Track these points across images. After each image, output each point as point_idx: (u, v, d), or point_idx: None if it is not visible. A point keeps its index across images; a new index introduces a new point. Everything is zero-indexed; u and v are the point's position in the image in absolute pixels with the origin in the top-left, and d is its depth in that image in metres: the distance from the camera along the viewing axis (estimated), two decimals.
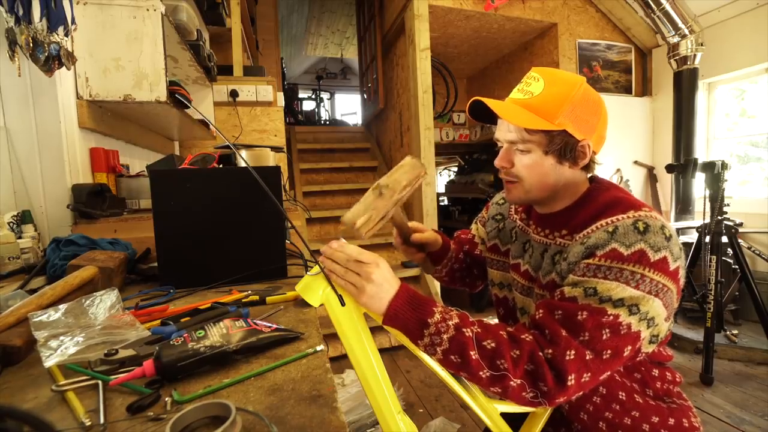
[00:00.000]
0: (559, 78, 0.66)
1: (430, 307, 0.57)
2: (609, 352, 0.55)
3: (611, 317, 0.54)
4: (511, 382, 0.53)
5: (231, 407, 0.37)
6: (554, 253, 0.68)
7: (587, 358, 0.54)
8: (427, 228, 0.89)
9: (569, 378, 0.53)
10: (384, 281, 0.55)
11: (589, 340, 0.54)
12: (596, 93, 0.67)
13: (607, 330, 0.54)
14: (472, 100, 0.68)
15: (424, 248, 0.89)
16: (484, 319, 0.59)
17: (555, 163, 0.66)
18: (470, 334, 0.55)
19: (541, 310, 0.59)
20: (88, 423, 0.39)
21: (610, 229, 0.59)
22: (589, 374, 0.54)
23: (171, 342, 0.49)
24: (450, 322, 0.56)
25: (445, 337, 0.55)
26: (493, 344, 0.54)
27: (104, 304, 0.62)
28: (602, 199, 0.66)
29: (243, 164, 1.31)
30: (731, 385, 2.02)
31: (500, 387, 0.54)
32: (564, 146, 0.64)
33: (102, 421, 0.40)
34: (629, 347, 0.56)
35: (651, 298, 0.55)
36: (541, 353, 0.54)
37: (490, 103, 0.66)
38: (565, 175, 0.67)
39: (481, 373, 0.54)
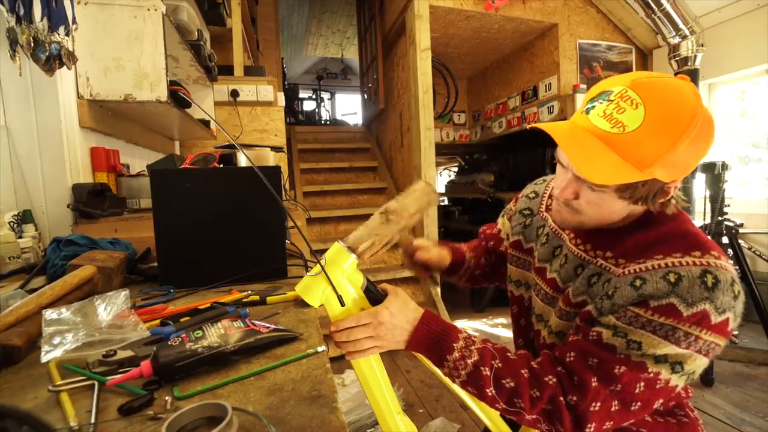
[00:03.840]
0: (669, 108, 0.48)
1: (450, 343, 0.56)
2: (639, 404, 0.51)
3: (651, 374, 0.50)
4: (527, 417, 0.53)
5: (227, 408, 0.37)
6: (592, 273, 0.59)
7: (613, 409, 0.51)
8: (430, 245, 0.85)
9: (588, 426, 0.51)
10: (393, 328, 0.56)
11: (620, 391, 0.51)
12: (711, 123, 0.50)
13: (642, 384, 0.50)
14: (536, 126, 0.55)
15: (430, 267, 0.86)
16: (506, 347, 0.58)
17: (627, 204, 0.55)
18: (488, 373, 0.54)
19: (573, 353, 0.54)
20: (75, 426, 0.39)
21: (672, 279, 0.50)
22: (612, 422, 0.52)
23: (169, 343, 0.49)
24: (469, 360, 0.55)
25: (463, 372, 0.55)
26: (512, 384, 0.53)
27: (114, 304, 0.62)
28: (665, 228, 0.56)
29: (243, 164, 1.31)
30: (732, 385, 2.02)
31: (515, 416, 0.55)
32: (647, 194, 0.53)
33: (93, 422, 0.40)
34: (661, 400, 0.52)
35: (699, 357, 0.50)
36: (563, 398, 0.52)
37: (562, 140, 0.52)
38: (635, 211, 0.57)
39: (496, 405, 0.55)
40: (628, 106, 0.49)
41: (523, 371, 0.54)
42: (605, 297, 0.55)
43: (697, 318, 0.48)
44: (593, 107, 0.53)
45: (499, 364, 0.55)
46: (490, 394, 0.54)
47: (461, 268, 0.89)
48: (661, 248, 0.53)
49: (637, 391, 0.50)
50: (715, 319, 0.48)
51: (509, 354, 0.57)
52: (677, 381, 0.51)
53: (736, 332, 2.41)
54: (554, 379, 0.53)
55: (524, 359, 0.56)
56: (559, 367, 0.54)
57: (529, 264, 0.76)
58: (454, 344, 0.56)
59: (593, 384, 0.51)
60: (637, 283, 0.52)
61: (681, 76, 0.53)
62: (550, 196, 0.75)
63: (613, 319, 0.53)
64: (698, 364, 0.50)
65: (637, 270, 0.53)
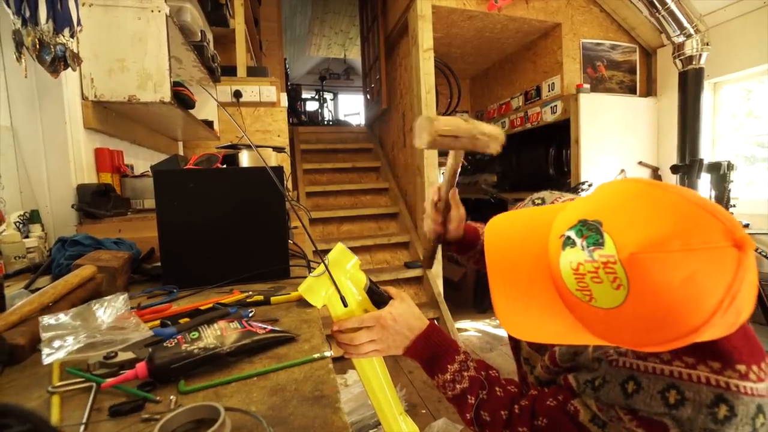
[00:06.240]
0: (665, 310, 0.34)
1: (444, 364, 0.57)
2: None
3: None
4: None
5: (220, 410, 0.37)
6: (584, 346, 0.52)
7: None
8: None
9: None
10: (394, 333, 0.56)
11: None
12: (737, 311, 0.34)
13: None
14: (488, 232, 0.46)
15: (447, 220, 0.78)
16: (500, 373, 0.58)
17: None
18: (472, 401, 0.55)
19: (545, 420, 0.51)
20: None
21: (673, 399, 0.39)
22: None
23: (164, 344, 0.50)
24: (458, 385, 0.56)
25: (450, 393, 0.57)
26: (488, 419, 0.55)
27: (113, 307, 0.62)
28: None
29: (245, 164, 1.32)
30: None
31: None
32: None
33: (84, 424, 0.40)
34: None
35: None
36: None
37: (497, 285, 0.42)
38: None
39: (471, 426, 0.56)
40: (607, 279, 0.35)
41: (502, 412, 0.54)
42: (590, 384, 0.46)
43: None
44: (573, 244, 0.38)
45: (485, 397, 0.55)
46: (468, 417, 0.56)
47: (472, 248, 0.84)
48: (679, 356, 0.41)
49: None
50: None
51: (498, 389, 0.57)
52: None
53: None
54: (525, 431, 0.52)
55: (509, 399, 0.55)
56: (536, 421, 0.52)
57: None
58: (449, 366, 0.57)
59: None
60: (629, 386, 0.42)
61: (738, 239, 0.32)
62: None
63: (594, 406, 0.45)
64: None
65: (634, 366, 0.43)
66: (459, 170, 0.72)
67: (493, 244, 0.43)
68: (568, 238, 0.39)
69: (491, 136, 0.64)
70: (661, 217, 0.34)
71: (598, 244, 0.36)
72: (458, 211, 0.77)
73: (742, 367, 0.39)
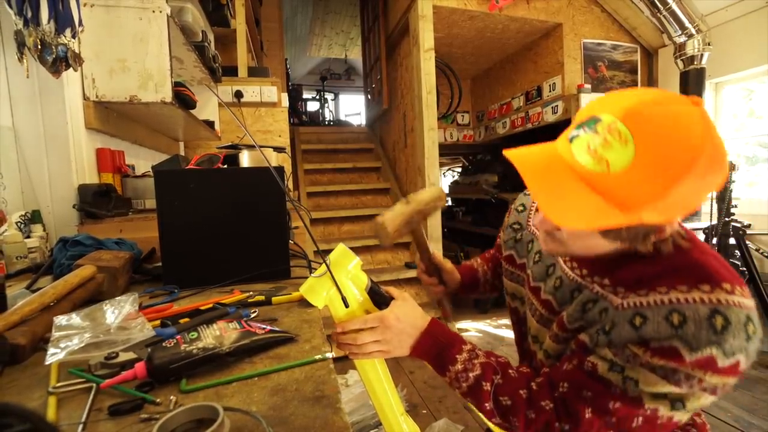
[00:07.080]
0: (665, 147, 0.41)
1: (453, 354, 0.57)
2: None
3: (648, 411, 0.47)
4: None
5: (219, 409, 0.37)
6: (588, 300, 0.55)
7: None
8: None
9: None
10: (399, 333, 0.56)
11: (615, 423, 0.49)
12: (720, 157, 0.43)
13: (640, 419, 0.48)
14: (508, 156, 0.51)
15: (442, 277, 0.84)
16: (509, 362, 0.58)
17: (614, 240, 0.51)
18: (488, 388, 0.55)
19: (566, 384, 0.52)
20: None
21: (676, 321, 0.45)
22: None
23: (163, 344, 0.50)
24: (471, 374, 0.55)
25: (464, 384, 0.56)
26: (508, 402, 0.54)
27: (122, 308, 0.62)
28: (676, 260, 0.50)
29: (246, 164, 1.32)
30: (740, 388, 2.00)
31: (508, 430, 0.56)
32: (633, 236, 0.49)
33: (82, 425, 0.40)
34: None
35: (703, 395, 0.46)
36: (557, 424, 0.52)
37: (532, 181, 0.48)
38: (626, 246, 0.52)
39: (492, 419, 0.55)
40: (615, 140, 0.43)
41: (521, 391, 0.54)
42: (602, 331, 0.51)
43: (702, 363, 0.44)
44: (578, 136, 0.46)
45: (500, 381, 0.55)
46: (488, 407, 0.54)
47: (478, 285, 0.88)
48: (665, 280, 0.48)
49: (634, 425, 0.48)
50: (723, 363, 0.44)
51: (511, 371, 0.56)
52: (680, 416, 0.48)
53: None
54: (551, 405, 0.52)
55: (525, 379, 0.56)
56: (556, 393, 0.53)
57: (522, 279, 0.74)
58: (458, 356, 0.56)
59: (587, 415, 0.49)
60: (637, 321, 0.48)
61: (693, 99, 0.44)
62: (537, 209, 0.69)
63: (609, 353, 0.50)
64: (702, 402, 0.47)
65: (638, 304, 0.49)
66: (425, 237, 0.81)
67: (521, 164, 0.50)
68: (573, 136, 0.47)
69: (433, 199, 0.75)
70: (638, 95, 0.45)
71: (596, 120, 0.45)
72: (446, 264, 0.85)
73: (727, 285, 0.46)
